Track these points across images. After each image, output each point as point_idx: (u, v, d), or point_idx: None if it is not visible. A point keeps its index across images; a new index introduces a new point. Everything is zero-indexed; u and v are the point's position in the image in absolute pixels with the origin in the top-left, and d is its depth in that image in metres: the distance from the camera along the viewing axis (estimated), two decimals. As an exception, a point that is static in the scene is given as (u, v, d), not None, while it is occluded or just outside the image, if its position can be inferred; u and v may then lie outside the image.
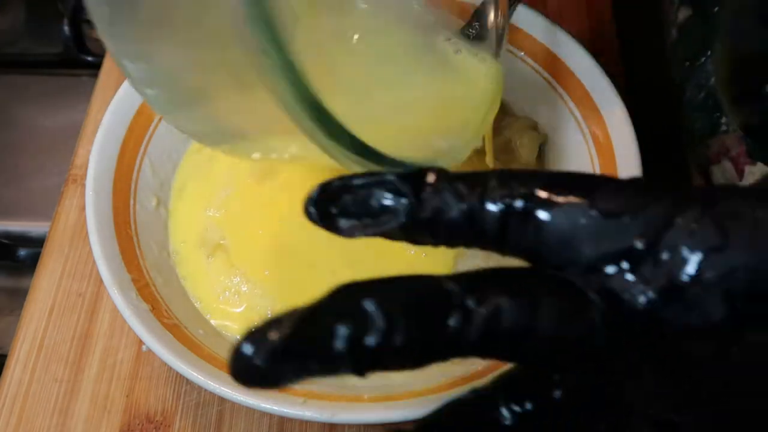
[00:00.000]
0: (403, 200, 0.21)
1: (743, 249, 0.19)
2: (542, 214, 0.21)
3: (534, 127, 0.47)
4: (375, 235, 0.22)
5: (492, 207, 0.21)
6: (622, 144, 0.40)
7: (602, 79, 0.42)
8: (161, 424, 0.40)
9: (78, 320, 0.44)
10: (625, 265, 0.20)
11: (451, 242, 0.22)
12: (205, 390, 0.35)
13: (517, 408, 0.21)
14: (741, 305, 0.19)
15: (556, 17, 0.48)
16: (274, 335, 0.19)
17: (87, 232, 0.39)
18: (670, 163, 0.49)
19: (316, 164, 0.47)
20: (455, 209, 0.21)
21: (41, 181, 0.61)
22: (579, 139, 0.43)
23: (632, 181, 0.21)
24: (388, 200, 0.22)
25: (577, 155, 0.43)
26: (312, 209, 0.23)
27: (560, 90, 0.44)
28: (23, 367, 0.43)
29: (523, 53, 0.46)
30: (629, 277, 0.20)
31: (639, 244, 0.20)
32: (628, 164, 0.39)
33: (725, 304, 0.19)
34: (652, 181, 0.21)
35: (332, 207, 0.22)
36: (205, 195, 0.45)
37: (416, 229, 0.22)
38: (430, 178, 0.22)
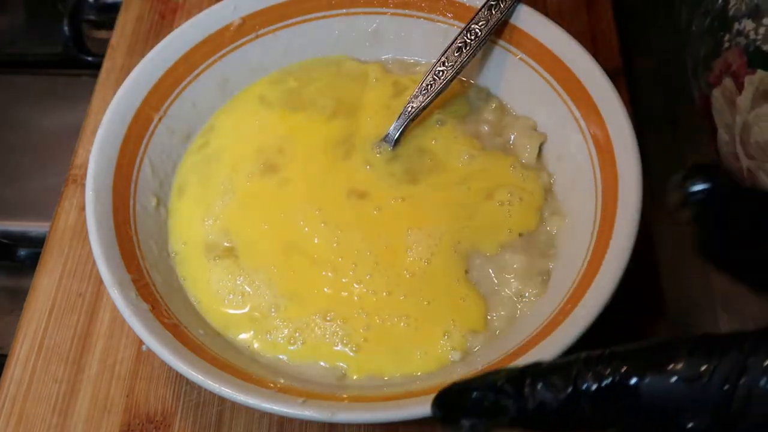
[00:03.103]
0: (511, 400, 0.26)
1: None
2: (633, 382, 0.24)
3: (534, 127, 0.47)
4: (492, 429, 0.27)
5: (586, 391, 0.25)
6: (622, 144, 0.40)
7: (602, 79, 0.42)
8: (161, 424, 0.40)
9: (78, 320, 0.44)
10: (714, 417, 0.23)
11: (561, 427, 0.26)
12: (205, 390, 0.35)
13: None
14: None
15: (556, 17, 0.48)
16: None
17: (87, 232, 0.39)
18: (670, 160, 0.49)
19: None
20: (555, 402, 0.25)
21: (41, 181, 0.61)
22: (579, 139, 0.43)
23: (702, 339, 0.24)
24: (499, 401, 0.26)
25: (577, 155, 0.43)
26: (439, 413, 0.27)
27: (560, 90, 0.44)
28: (23, 367, 0.43)
29: (523, 53, 0.46)
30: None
31: (720, 400, 0.23)
32: (628, 164, 0.39)
33: None
34: (717, 336, 0.24)
35: (456, 410, 0.27)
36: (206, 195, 0.45)
37: (527, 420, 0.26)
38: (528, 378, 0.26)
